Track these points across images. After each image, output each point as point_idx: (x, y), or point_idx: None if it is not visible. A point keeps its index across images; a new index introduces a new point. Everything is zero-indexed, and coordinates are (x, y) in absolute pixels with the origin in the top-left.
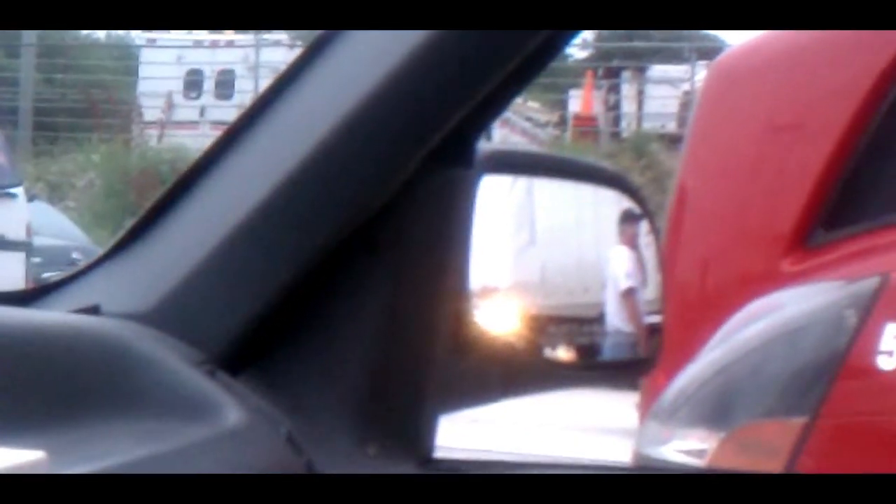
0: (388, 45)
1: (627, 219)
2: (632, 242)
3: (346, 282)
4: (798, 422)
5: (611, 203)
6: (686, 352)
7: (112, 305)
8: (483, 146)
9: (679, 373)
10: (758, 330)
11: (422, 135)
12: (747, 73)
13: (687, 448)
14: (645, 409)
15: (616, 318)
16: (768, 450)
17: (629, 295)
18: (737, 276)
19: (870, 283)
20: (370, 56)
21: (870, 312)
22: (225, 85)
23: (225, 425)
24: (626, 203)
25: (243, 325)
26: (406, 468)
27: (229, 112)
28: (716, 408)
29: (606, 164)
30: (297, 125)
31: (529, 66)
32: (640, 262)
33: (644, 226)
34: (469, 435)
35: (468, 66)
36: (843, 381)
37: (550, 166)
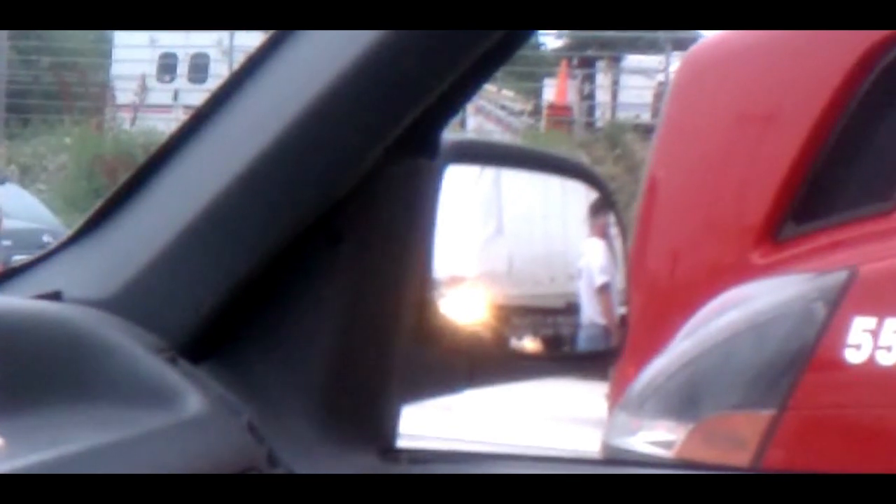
0: (350, 36)
1: (598, 209)
2: (602, 233)
3: (308, 271)
4: (766, 414)
5: (578, 193)
6: (655, 343)
7: (74, 291)
8: (448, 136)
9: (648, 364)
10: (727, 322)
11: (385, 124)
12: (718, 64)
13: (655, 439)
14: (614, 399)
15: (591, 311)
16: (736, 441)
17: (604, 290)
18: (706, 267)
19: (838, 277)
20: (333, 45)
21: (838, 305)
22: (198, 69)
23: (186, 413)
24: (593, 194)
25: (205, 313)
26: (368, 458)
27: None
28: (684, 399)
29: (570, 156)
30: (261, 114)
31: (493, 56)
32: (612, 253)
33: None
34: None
35: (432, 56)
36: (811, 374)
37: (515, 157)
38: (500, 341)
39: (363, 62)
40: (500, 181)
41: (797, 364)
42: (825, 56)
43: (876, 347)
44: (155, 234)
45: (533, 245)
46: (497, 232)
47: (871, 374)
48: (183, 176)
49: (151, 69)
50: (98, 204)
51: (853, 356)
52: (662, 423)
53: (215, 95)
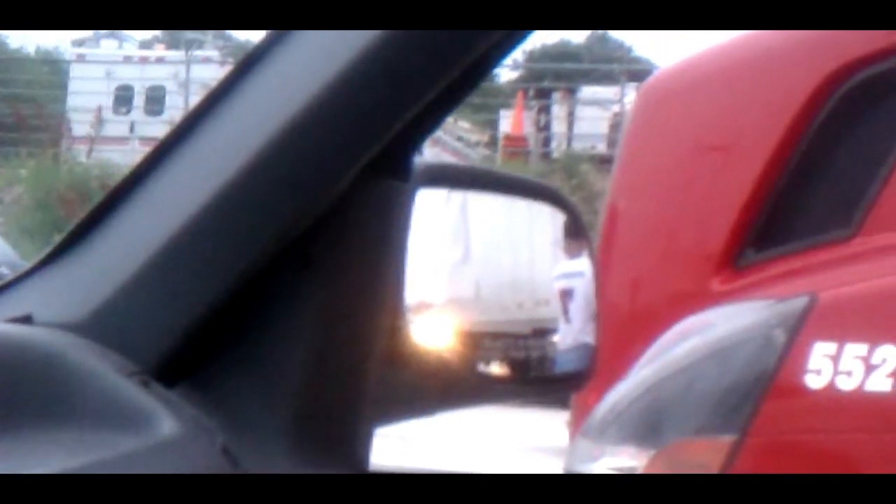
0: (325, 57)
1: (575, 229)
2: (575, 254)
3: (281, 294)
4: (727, 440)
5: (545, 219)
6: (617, 370)
7: (45, 315)
8: (419, 160)
9: (610, 390)
10: (687, 348)
11: (358, 147)
12: (676, 93)
13: (617, 465)
14: (576, 426)
15: (584, 334)
16: (698, 467)
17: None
18: (667, 295)
19: (798, 303)
20: (307, 67)
21: (798, 332)
22: (155, 101)
23: (159, 436)
24: (560, 218)
25: (178, 336)
26: None
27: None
28: (646, 425)
29: (541, 180)
30: (233, 137)
31: (467, 78)
32: None
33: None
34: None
35: (405, 78)
36: (771, 400)
37: (486, 181)
38: (471, 364)
39: (337, 84)
40: (468, 207)
41: (758, 390)
42: (783, 85)
43: (836, 373)
44: (127, 256)
45: (500, 271)
46: (464, 258)
47: (831, 399)
48: (155, 199)
49: (108, 101)
50: (61, 234)
51: (813, 382)
52: (624, 450)
53: (188, 119)
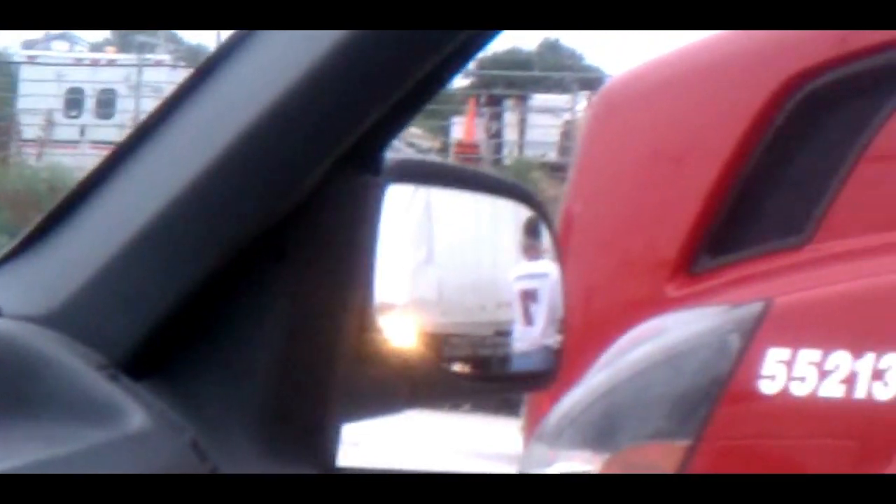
0: (299, 49)
1: (534, 228)
2: (536, 256)
3: (251, 287)
4: (682, 444)
5: (508, 221)
6: (571, 374)
7: (13, 307)
8: (390, 155)
9: (564, 395)
10: (642, 353)
11: (331, 141)
12: (632, 100)
13: (572, 470)
14: (530, 431)
15: (545, 337)
16: (652, 471)
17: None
18: (622, 300)
19: (753, 309)
20: (281, 59)
21: (753, 337)
22: (105, 104)
23: (128, 430)
24: (522, 220)
25: (147, 330)
26: None
27: (109, 132)
28: (600, 430)
29: (512, 179)
30: (205, 129)
31: (440, 72)
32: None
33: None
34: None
35: (378, 71)
36: (726, 405)
37: (457, 178)
38: (438, 363)
39: (310, 77)
40: (432, 208)
41: (712, 395)
42: (737, 92)
43: (790, 378)
44: (96, 249)
45: (463, 273)
46: (427, 259)
47: (785, 405)
48: (124, 190)
49: (58, 104)
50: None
51: (767, 387)
52: (579, 454)
53: (160, 108)
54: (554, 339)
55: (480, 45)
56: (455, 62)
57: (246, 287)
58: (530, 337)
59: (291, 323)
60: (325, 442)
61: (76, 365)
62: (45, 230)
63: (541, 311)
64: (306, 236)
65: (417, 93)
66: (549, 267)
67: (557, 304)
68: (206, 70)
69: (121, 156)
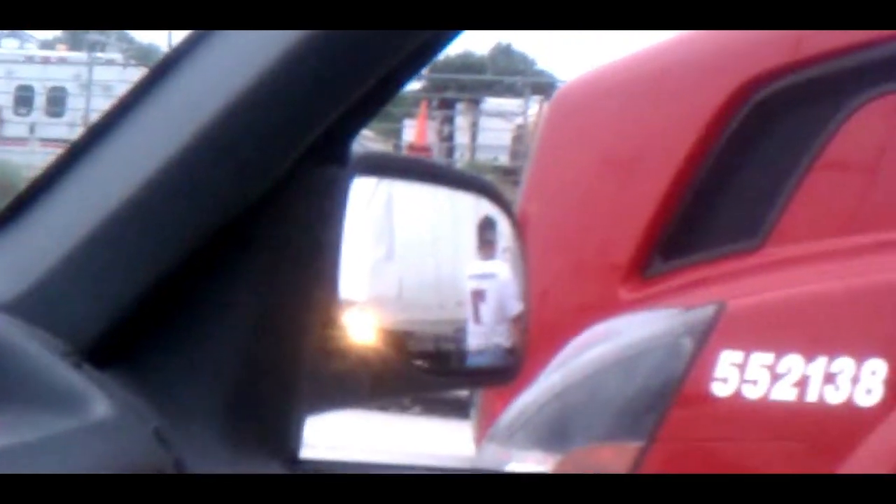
0: (266, 38)
1: (486, 229)
2: (490, 254)
3: (217, 278)
4: (634, 446)
5: (469, 218)
6: (524, 375)
7: None
8: (355, 148)
9: (517, 396)
10: (595, 355)
11: (298, 132)
12: (587, 103)
13: (524, 470)
14: (482, 431)
15: (495, 335)
16: (604, 472)
17: (521, 318)
18: (575, 303)
19: (706, 312)
20: (249, 48)
21: (706, 340)
22: (56, 102)
23: (91, 418)
24: (483, 215)
25: (111, 318)
26: (273, 467)
27: (59, 130)
28: (553, 430)
29: (479, 175)
30: (172, 117)
31: (408, 64)
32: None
33: (502, 235)
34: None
35: (345, 63)
36: (678, 407)
37: (423, 172)
38: (403, 356)
39: (278, 65)
40: (392, 204)
41: (665, 397)
42: (690, 96)
43: (742, 381)
44: (60, 237)
45: (423, 271)
46: (388, 256)
47: (737, 407)
48: (90, 178)
49: (8, 101)
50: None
51: (720, 390)
52: (531, 455)
53: (124, 99)
54: (504, 338)
55: (449, 36)
56: (421, 56)
57: (211, 277)
58: (481, 335)
59: (257, 314)
60: (289, 433)
61: (39, 353)
62: (9, 219)
63: (488, 311)
64: (272, 228)
65: (386, 84)
66: (498, 267)
67: (505, 304)
68: (174, 60)
69: (87, 144)
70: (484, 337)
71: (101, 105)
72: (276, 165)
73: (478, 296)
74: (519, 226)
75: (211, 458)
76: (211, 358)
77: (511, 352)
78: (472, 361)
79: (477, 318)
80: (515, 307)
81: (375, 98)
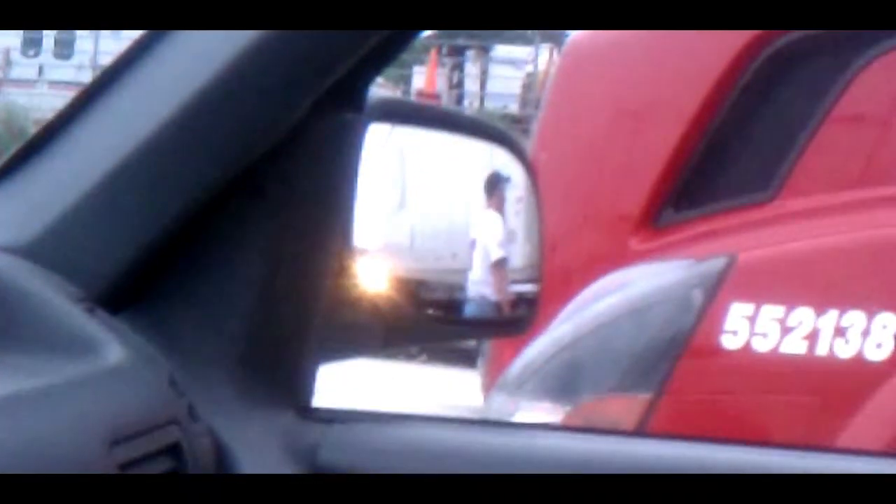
0: None
1: (495, 183)
2: (499, 207)
3: (230, 225)
4: (643, 398)
5: (483, 167)
6: (534, 325)
7: None
8: (372, 94)
9: (527, 346)
10: (605, 306)
11: (313, 78)
12: (599, 52)
13: (532, 421)
14: (491, 381)
15: (483, 286)
16: (613, 424)
17: (500, 265)
18: (586, 253)
19: (717, 264)
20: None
21: (716, 292)
22: (64, 44)
23: (105, 363)
24: (496, 165)
25: (124, 264)
26: (285, 415)
27: (68, 72)
28: (562, 382)
29: (497, 125)
30: (187, 64)
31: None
32: (508, 228)
33: (515, 186)
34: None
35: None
36: (688, 359)
37: (437, 119)
38: (415, 306)
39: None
40: (405, 153)
41: (675, 349)
42: (705, 47)
43: (752, 334)
44: (75, 181)
45: (436, 219)
46: (400, 205)
47: (747, 360)
48: (105, 123)
49: (16, 43)
50: (14, 149)
51: (730, 342)
52: (540, 406)
53: (136, 43)
54: (489, 288)
55: None
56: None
57: (225, 224)
58: (472, 285)
59: (269, 261)
60: (301, 381)
61: (53, 297)
62: (23, 162)
63: (478, 260)
64: (287, 174)
65: (400, 32)
66: (489, 217)
67: (489, 251)
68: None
69: (98, 90)
70: (473, 286)
71: (110, 48)
72: (291, 112)
73: (471, 245)
74: (533, 175)
75: (223, 405)
76: (224, 305)
77: (496, 306)
78: (467, 312)
79: (472, 268)
80: (495, 253)
81: (391, 45)
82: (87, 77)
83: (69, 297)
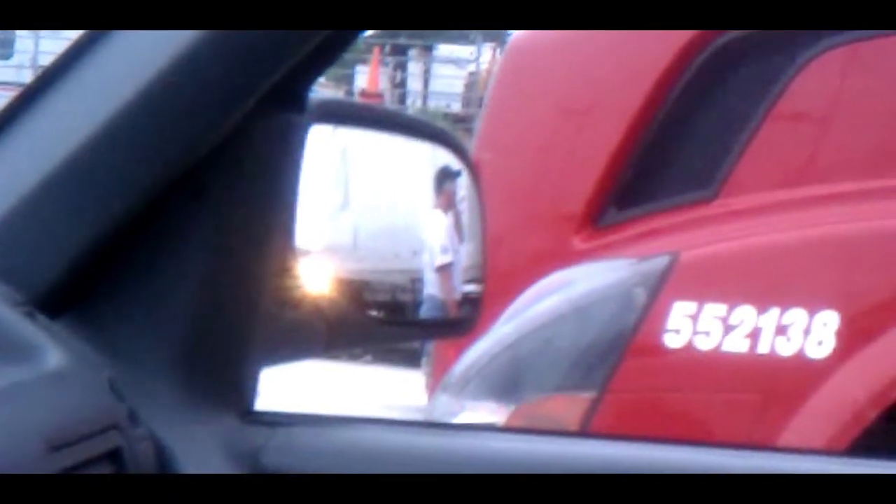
0: None
1: (443, 180)
2: (448, 203)
3: (171, 226)
4: (586, 396)
5: (425, 167)
6: (477, 325)
7: None
8: (313, 95)
9: (470, 346)
10: (548, 305)
11: (255, 78)
12: (542, 51)
13: (476, 421)
14: (435, 381)
15: (431, 286)
16: (557, 423)
17: (445, 269)
18: (528, 252)
19: (659, 262)
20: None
21: (658, 291)
22: (4, 44)
23: (44, 368)
24: (440, 164)
25: (63, 267)
26: (228, 419)
27: (7, 72)
28: (505, 381)
29: (438, 124)
30: (126, 65)
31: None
32: (458, 225)
33: (461, 185)
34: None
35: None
36: (631, 358)
37: (379, 119)
38: (358, 307)
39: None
40: (348, 153)
41: (617, 348)
42: (647, 46)
43: (695, 332)
44: (12, 185)
45: (379, 220)
46: (343, 205)
47: (689, 358)
48: (45, 124)
49: None
50: None
51: (673, 341)
52: (484, 405)
53: (75, 46)
54: (436, 288)
55: None
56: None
57: (165, 225)
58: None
59: (211, 263)
60: (244, 384)
61: None
62: None
63: (427, 262)
64: (227, 175)
65: (343, 32)
66: (434, 219)
67: (434, 254)
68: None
69: (36, 92)
70: (424, 286)
71: (50, 48)
72: (232, 113)
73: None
74: (476, 175)
75: (165, 409)
76: (165, 308)
77: (444, 305)
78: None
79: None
80: (439, 257)
81: (333, 45)
82: (27, 77)
83: (7, 301)
